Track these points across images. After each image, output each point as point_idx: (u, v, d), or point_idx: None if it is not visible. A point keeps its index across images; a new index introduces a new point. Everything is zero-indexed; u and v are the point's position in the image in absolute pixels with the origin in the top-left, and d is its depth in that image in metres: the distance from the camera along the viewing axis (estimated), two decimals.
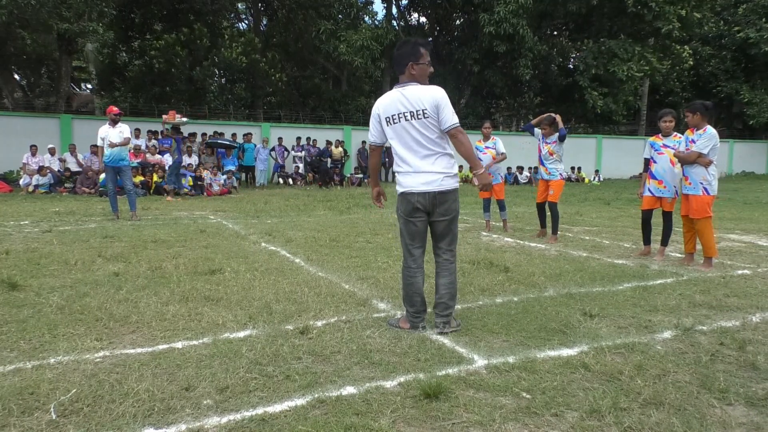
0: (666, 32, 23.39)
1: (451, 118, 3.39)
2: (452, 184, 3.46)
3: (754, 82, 29.56)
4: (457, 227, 3.60)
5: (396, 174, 3.61)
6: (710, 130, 5.61)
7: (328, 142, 20.14)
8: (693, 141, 5.74)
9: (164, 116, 13.56)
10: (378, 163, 3.84)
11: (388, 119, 3.50)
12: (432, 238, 3.63)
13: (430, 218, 3.53)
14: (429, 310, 3.74)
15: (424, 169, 3.44)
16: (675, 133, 6.15)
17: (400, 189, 3.56)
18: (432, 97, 3.39)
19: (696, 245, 5.98)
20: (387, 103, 3.51)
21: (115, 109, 9.61)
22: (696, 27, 25.38)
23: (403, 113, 3.42)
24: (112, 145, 9.05)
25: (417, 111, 3.38)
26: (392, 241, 7.17)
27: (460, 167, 16.40)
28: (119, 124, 9.33)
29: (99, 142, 9.37)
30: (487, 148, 8.56)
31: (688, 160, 5.69)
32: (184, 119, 13.91)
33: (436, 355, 3.16)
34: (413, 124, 3.41)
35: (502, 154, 8.58)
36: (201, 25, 22.18)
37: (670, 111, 6.29)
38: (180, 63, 21.63)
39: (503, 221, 8.66)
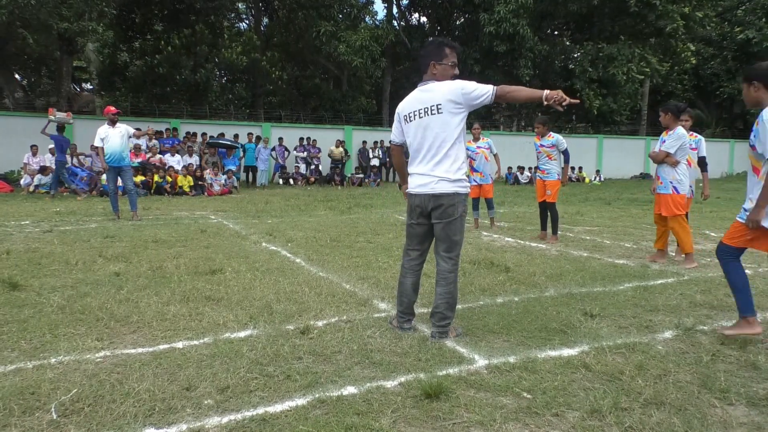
0: (670, 31, 23.36)
1: (482, 88, 3.29)
2: (449, 187, 3.36)
3: None
4: (458, 235, 3.43)
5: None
6: (678, 131, 5.73)
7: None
8: (664, 141, 5.89)
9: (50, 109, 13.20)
10: (401, 161, 3.78)
11: (406, 117, 3.50)
12: (434, 241, 3.57)
13: (430, 221, 3.50)
14: (425, 311, 3.74)
15: (422, 172, 3.43)
16: (691, 132, 6.11)
17: (407, 188, 3.60)
18: (447, 89, 3.32)
19: (668, 243, 6.14)
20: (407, 103, 3.52)
21: (113, 108, 9.55)
22: (698, 26, 25.35)
23: (419, 110, 3.41)
24: (138, 135, 9.93)
25: (431, 106, 3.35)
26: (393, 241, 7.17)
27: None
28: (118, 123, 9.31)
29: (98, 143, 9.24)
30: (479, 148, 8.78)
31: (656, 159, 5.87)
32: (69, 118, 13.49)
33: (437, 355, 3.16)
34: (426, 120, 3.38)
35: (496, 155, 8.99)
36: (202, 26, 22.22)
37: (687, 110, 6.23)
38: (183, 65, 21.68)
39: (491, 219, 8.87)
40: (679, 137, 5.70)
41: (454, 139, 3.37)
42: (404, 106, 3.53)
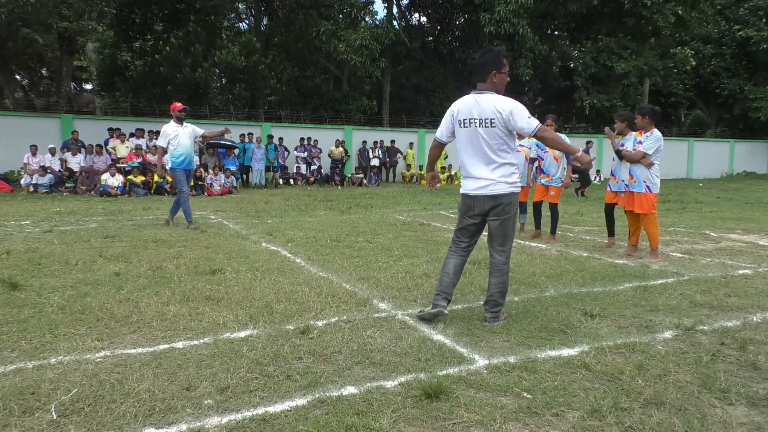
0: (664, 26, 23.40)
1: (528, 123, 3.55)
2: (506, 188, 3.65)
3: (756, 79, 29.55)
4: (511, 230, 3.73)
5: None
6: (656, 133, 5.98)
7: (588, 142, 16.31)
8: (640, 142, 6.10)
9: None
10: (437, 156, 4.12)
11: (461, 121, 3.72)
12: (487, 236, 3.83)
13: (486, 218, 3.76)
14: (450, 299, 3.82)
15: (480, 175, 3.68)
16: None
17: (461, 189, 3.86)
18: (501, 107, 3.56)
19: (639, 238, 6.45)
20: (463, 107, 3.72)
21: (179, 105, 8.32)
22: (696, 25, 25.35)
23: (474, 119, 3.64)
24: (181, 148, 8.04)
25: (485, 119, 3.60)
26: (393, 241, 7.17)
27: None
28: (185, 122, 8.26)
29: (161, 143, 8.17)
30: (521, 146, 7.90)
31: (633, 159, 6.08)
32: None
33: (437, 355, 3.16)
34: (480, 131, 3.63)
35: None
36: (201, 27, 22.22)
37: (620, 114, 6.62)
38: (182, 64, 21.68)
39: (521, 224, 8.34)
40: (656, 140, 5.96)
41: (508, 148, 3.67)
42: (461, 109, 3.72)
